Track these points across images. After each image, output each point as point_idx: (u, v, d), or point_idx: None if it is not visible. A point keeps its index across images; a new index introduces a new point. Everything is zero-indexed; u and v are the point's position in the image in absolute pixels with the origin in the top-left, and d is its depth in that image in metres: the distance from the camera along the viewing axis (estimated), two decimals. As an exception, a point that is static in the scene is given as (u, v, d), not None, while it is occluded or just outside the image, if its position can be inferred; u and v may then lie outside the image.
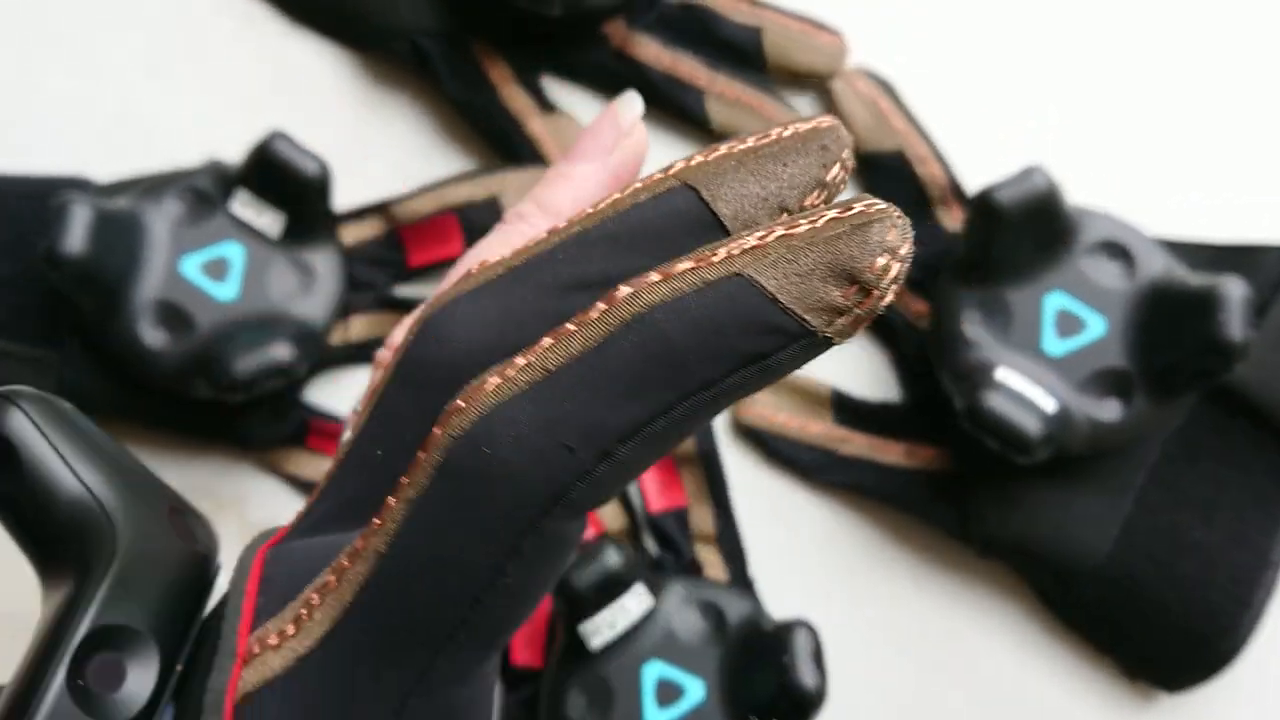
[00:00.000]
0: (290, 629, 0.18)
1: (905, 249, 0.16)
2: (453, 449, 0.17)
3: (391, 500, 0.17)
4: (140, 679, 0.19)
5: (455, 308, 0.19)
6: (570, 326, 0.17)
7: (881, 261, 0.16)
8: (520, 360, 0.17)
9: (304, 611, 0.18)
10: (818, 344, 0.16)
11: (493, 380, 0.17)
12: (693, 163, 0.19)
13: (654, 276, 0.16)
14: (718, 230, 0.18)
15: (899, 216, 0.16)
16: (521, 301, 0.18)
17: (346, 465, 0.20)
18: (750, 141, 0.19)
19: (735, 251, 0.16)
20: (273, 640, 0.18)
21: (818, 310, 0.16)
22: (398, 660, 0.17)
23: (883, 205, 0.16)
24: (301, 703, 0.18)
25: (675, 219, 0.18)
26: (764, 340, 0.16)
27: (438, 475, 0.17)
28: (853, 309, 0.16)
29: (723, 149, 0.19)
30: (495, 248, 0.24)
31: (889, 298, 0.16)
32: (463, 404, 0.17)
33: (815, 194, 0.18)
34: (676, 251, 0.17)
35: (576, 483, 0.16)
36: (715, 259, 0.16)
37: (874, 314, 0.16)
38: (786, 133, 0.19)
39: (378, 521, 0.18)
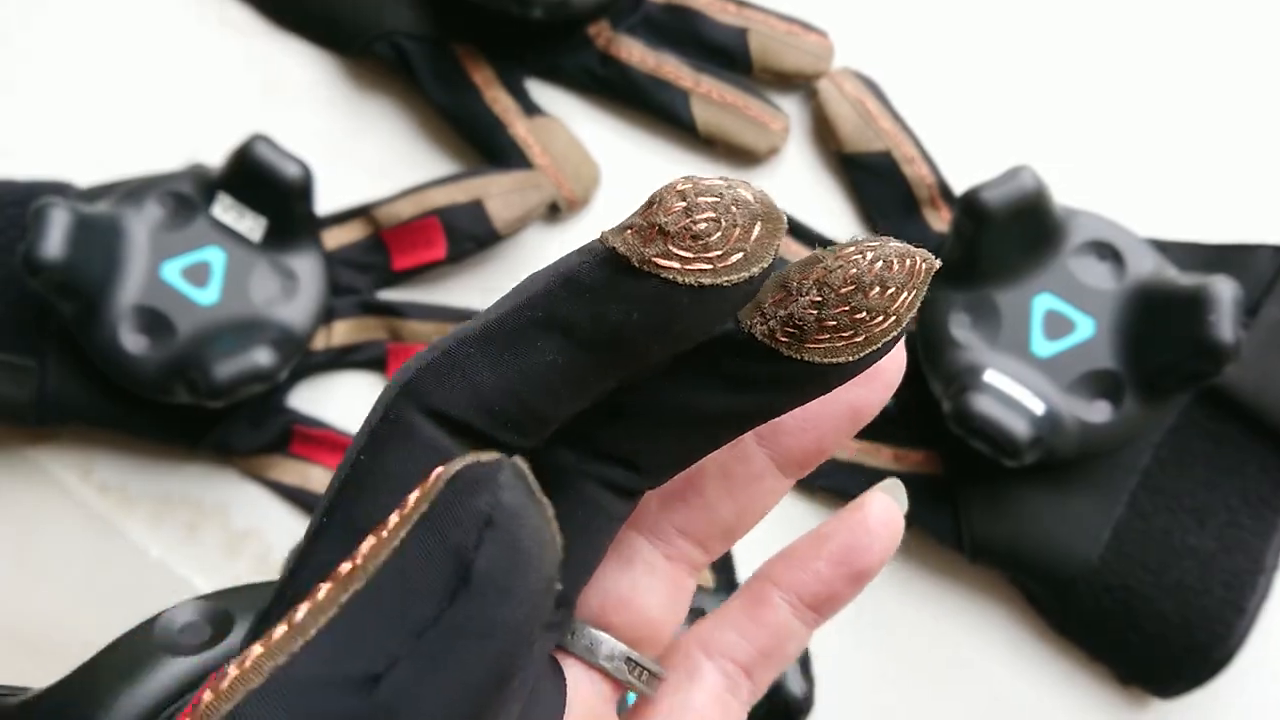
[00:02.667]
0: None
1: (696, 214, 0.16)
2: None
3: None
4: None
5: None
6: None
7: (676, 189, 0.16)
8: None
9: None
10: (611, 257, 0.16)
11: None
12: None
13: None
14: (738, 332, 0.19)
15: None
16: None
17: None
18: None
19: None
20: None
21: (615, 232, 0.16)
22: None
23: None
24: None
25: None
26: (576, 260, 0.16)
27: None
28: (637, 220, 0.16)
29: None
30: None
31: (670, 214, 0.16)
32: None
33: (816, 268, 0.18)
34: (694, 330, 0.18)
35: (422, 366, 0.17)
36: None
37: (654, 228, 0.16)
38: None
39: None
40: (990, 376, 0.38)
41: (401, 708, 0.14)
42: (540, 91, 0.45)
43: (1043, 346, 0.39)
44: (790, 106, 0.45)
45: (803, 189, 0.45)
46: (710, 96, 0.44)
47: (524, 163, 0.43)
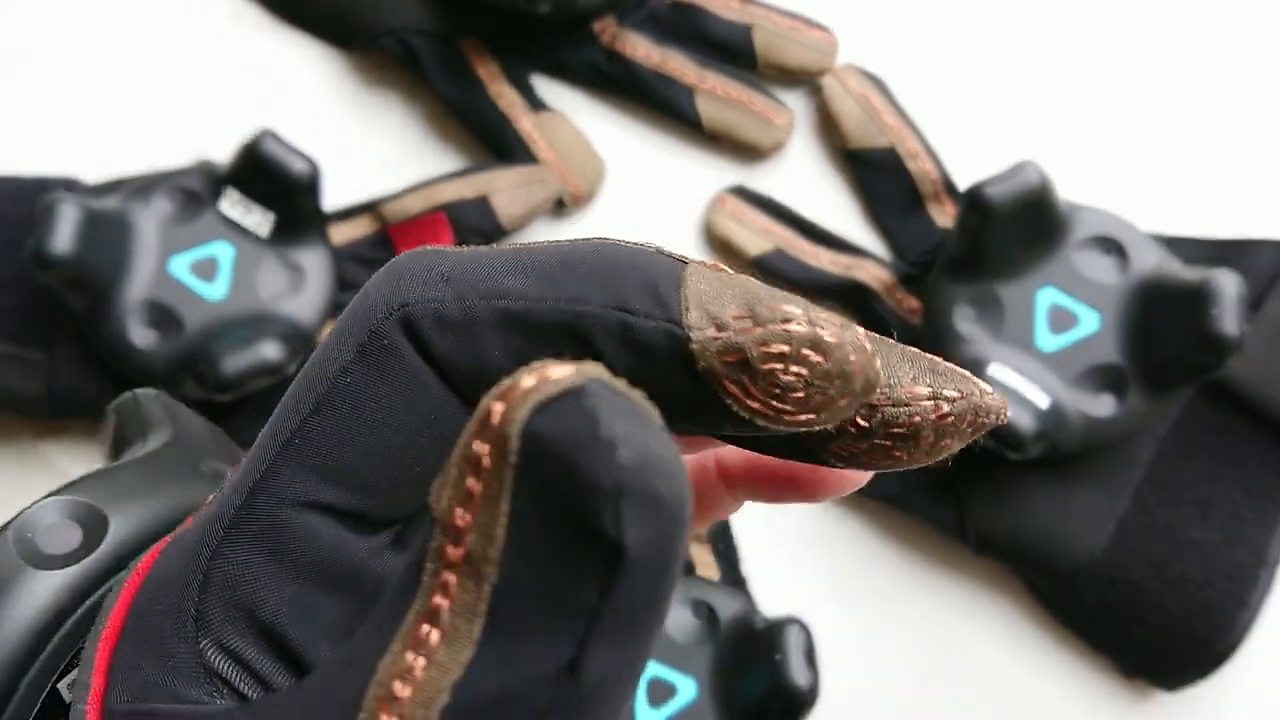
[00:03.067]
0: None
1: (817, 331, 0.15)
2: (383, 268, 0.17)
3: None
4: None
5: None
6: None
7: (789, 309, 0.15)
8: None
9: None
10: (675, 339, 0.15)
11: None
12: None
13: (627, 242, 0.17)
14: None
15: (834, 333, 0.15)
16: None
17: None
18: None
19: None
20: None
21: (702, 311, 0.15)
22: (251, 461, 0.17)
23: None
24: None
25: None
26: (645, 301, 0.15)
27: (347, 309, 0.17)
28: (729, 330, 0.15)
29: None
30: None
31: (767, 349, 0.14)
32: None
33: (879, 391, 0.16)
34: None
35: (425, 302, 0.16)
36: (691, 257, 0.16)
37: (739, 351, 0.15)
38: None
39: None
40: (994, 370, 0.38)
41: (607, 682, 0.13)
42: (546, 87, 0.45)
43: (1047, 340, 0.39)
44: (795, 102, 0.45)
45: (807, 184, 0.45)
46: (715, 92, 0.44)
47: (530, 158, 0.43)
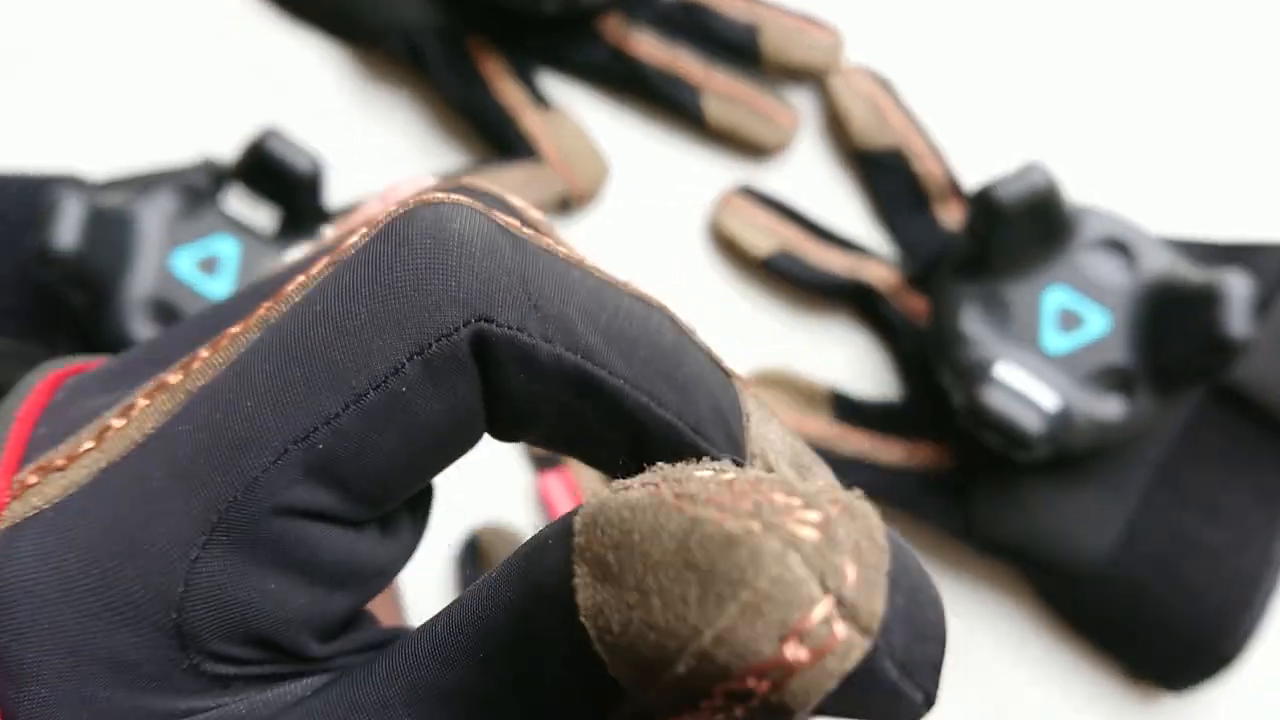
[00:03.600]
0: (89, 444, 0.14)
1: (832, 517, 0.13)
2: (407, 223, 0.14)
3: (292, 285, 0.15)
4: None
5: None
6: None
7: (834, 487, 0.14)
8: (507, 217, 0.15)
9: (114, 423, 0.14)
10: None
11: (471, 201, 0.15)
12: None
13: (680, 318, 0.16)
14: None
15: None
16: None
17: (244, 291, 0.17)
18: None
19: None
20: (60, 462, 0.14)
21: (765, 463, 0.15)
22: (223, 466, 0.14)
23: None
24: (76, 530, 0.14)
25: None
26: (717, 431, 0.16)
27: (373, 244, 0.14)
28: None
29: None
30: None
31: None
32: (438, 194, 0.15)
33: None
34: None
35: (514, 327, 0.14)
36: (728, 365, 0.17)
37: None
38: None
39: (270, 304, 0.15)
40: (1002, 370, 0.38)
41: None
42: (552, 84, 0.45)
43: (1054, 341, 0.39)
44: (801, 102, 0.45)
45: (814, 184, 0.45)
46: (721, 91, 0.44)
47: (534, 155, 0.43)
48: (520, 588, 0.14)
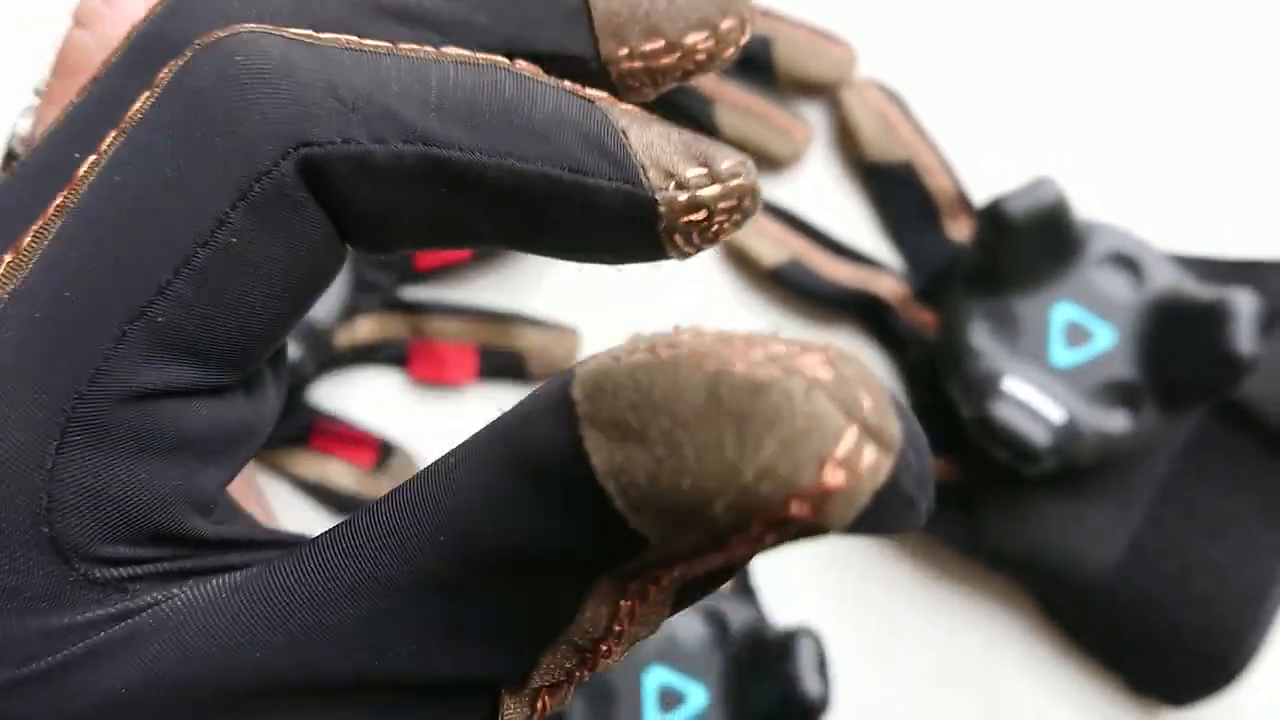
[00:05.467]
0: None
1: (756, 181, 0.15)
2: (194, 68, 0.13)
3: (83, 168, 0.14)
4: None
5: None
6: (404, 46, 0.14)
7: (732, 163, 0.15)
8: (300, 30, 0.14)
9: None
10: (639, 201, 0.14)
11: (255, 25, 0.14)
12: None
13: (521, 63, 0.15)
14: (586, 27, 0.16)
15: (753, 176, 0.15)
16: (323, 8, 0.15)
17: (20, 178, 0.15)
18: None
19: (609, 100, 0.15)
20: None
21: (659, 169, 0.14)
22: (59, 362, 0.13)
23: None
24: None
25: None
26: (596, 159, 0.14)
27: (164, 101, 0.13)
28: (691, 189, 0.15)
29: None
30: None
31: (726, 204, 0.15)
32: (219, 33, 0.14)
33: (703, 35, 0.16)
34: (531, 26, 0.16)
35: (338, 140, 0.13)
36: (589, 91, 0.15)
37: (703, 209, 0.15)
38: None
39: (65, 192, 0.14)
40: (1009, 384, 0.38)
41: None
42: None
43: (1062, 355, 0.39)
44: (813, 115, 0.46)
45: (824, 197, 0.45)
46: (734, 104, 0.44)
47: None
48: (503, 465, 0.13)
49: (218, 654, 0.13)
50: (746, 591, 0.41)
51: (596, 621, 0.14)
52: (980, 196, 0.44)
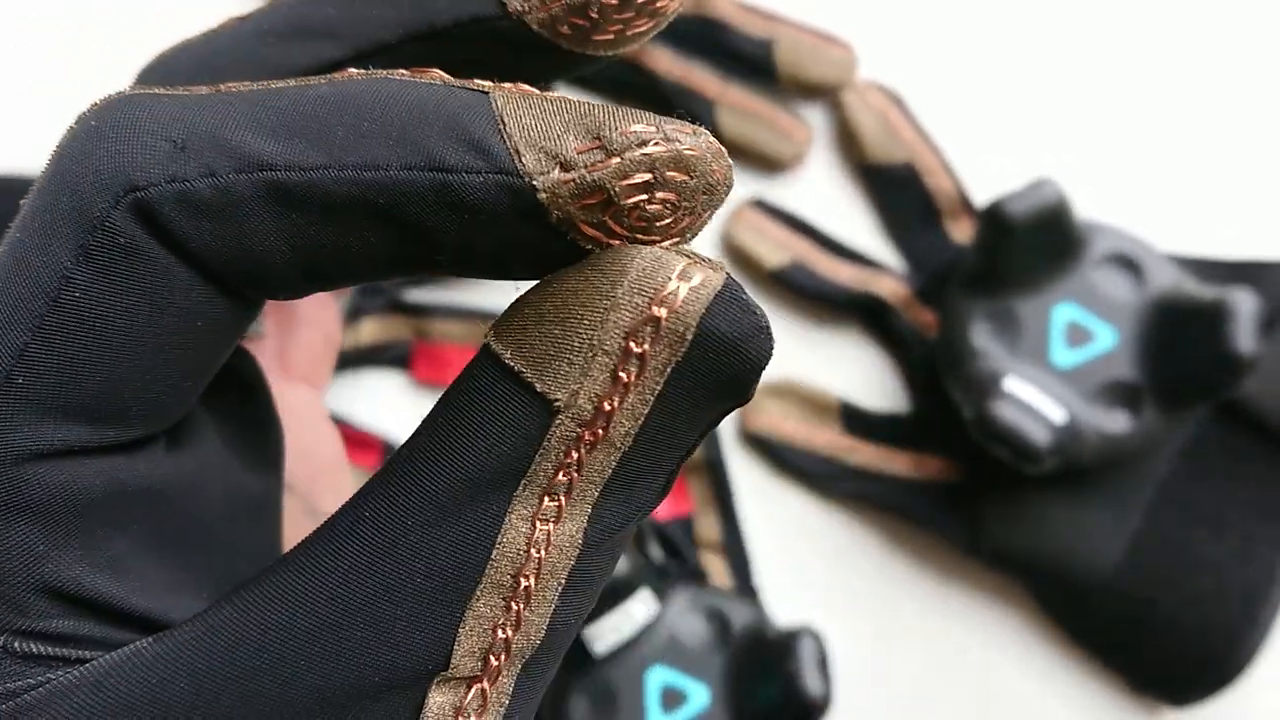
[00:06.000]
0: None
1: (677, 147, 0.13)
2: (64, 134, 0.14)
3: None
4: None
5: (170, 58, 0.16)
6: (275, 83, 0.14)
7: (640, 128, 0.13)
8: (193, 89, 0.14)
9: None
10: (516, 191, 0.13)
11: (142, 88, 0.14)
12: None
13: (400, 72, 0.14)
14: (503, 18, 0.15)
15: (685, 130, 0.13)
16: (226, 47, 0.15)
17: None
18: None
19: (489, 83, 0.14)
20: None
21: (538, 151, 0.13)
22: None
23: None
24: None
25: None
26: (460, 151, 0.13)
27: (48, 161, 0.14)
28: (580, 168, 0.13)
29: None
30: None
31: (631, 181, 0.13)
32: (96, 102, 0.14)
33: None
34: (424, 2, 0.15)
35: (166, 182, 0.13)
36: (479, 82, 0.14)
37: (599, 191, 0.13)
38: None
39: None
40: (1010, 384, 0.38)
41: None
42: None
43: (1063, 356, 0.39)
44: (814, 117, 0.46)
45: (825, 198, 0.45)
46: (736, 105, 0.44)
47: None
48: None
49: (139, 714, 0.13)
50: (748, 591, 0.41)
51: (515, 546, 0.14)
52: (982, 197, 0.44)
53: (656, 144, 0.13)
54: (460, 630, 0.14)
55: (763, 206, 0.45)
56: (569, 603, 0.14)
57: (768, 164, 0.45)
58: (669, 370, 0.13)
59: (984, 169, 0.44)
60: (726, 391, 0.14)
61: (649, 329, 0.13)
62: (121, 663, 0.13)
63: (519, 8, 0.15)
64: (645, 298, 0.13)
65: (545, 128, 0.13)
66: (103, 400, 0.13)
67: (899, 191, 0.44)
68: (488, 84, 0.14)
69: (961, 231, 0.44)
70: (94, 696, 0.13)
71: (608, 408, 0.13)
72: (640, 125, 0.13)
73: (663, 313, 0.13)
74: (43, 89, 0.46)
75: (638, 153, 0.13)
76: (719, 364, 0.13)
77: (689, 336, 0.13)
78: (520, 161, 0.13)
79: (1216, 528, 0.39)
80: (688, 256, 0.13)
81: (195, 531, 0.15)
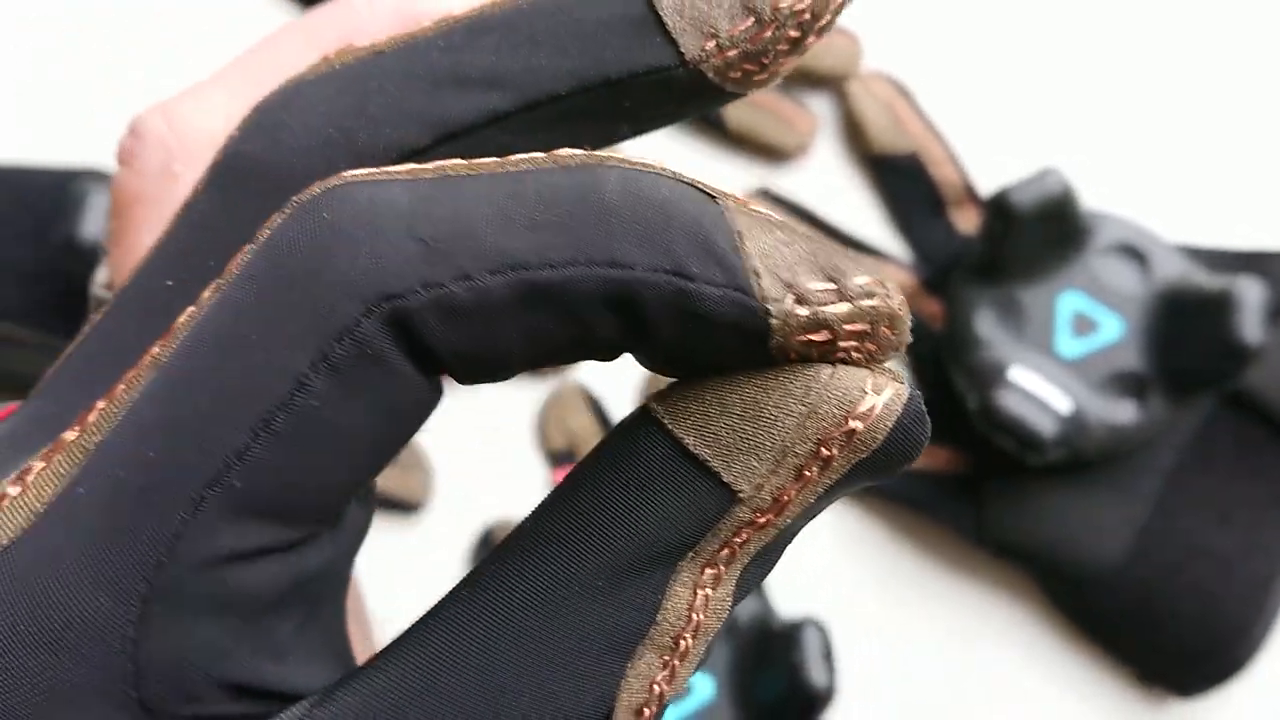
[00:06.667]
0: (12, 489, 0.13)
1: (896, 308, 0.14)
2: (285, 224, 0.13)
3: (182, 318, 0.13)
4: None
5: (295, 96, 0.15)
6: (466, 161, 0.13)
7: (864, 281, 0.13)
8: (403, 166, 0.13)
9: (9, 491, 0.13)
10: (750, 311, 0.13)
11: (360, 171, 0.13)
12: None
13: (625, 153, 0.14)
14: (658, 32, 0.15)
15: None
16: (380, 94, 0.15)
17: (117, 312, 0.15)
18: None
19: None
20: None
21: (776, 277, 0.13)
22: (143, 522, 0.13)
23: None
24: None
25: (600, 8, 0.15)
26: (703, 262, 0.13)
27: (255, 256, 0.13)
28: (815, 306, 0.13)
29: None
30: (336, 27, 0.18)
31: (854, 327, 0.13)
32: (316, 187, 0.13)
33: None
34: (595, 50, 0.15)
35: (420, 289, 0.12)
36: (711, 186, 0.14)
37: (826, 329, 0.13)
38: None
39: (161, 343, 0.13)
40: (1016, 374, 0.38)
41: None
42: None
43: (1068, 346, 0.39)
44: (820, 107, 0.46)
45: (831, 188, 0.45)
46: (741, 95, 0.44)
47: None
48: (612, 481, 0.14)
49: None
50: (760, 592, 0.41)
51: (678, 611, 0.14)
52: (987, 187, 0.44)
53: (881, 301, 0.13)
54: (622, 686, 0.14)
55: (768, 197, 0.44)
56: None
57: (773, 154, 0.45)
58: (848, 470, 0.14)
59: (989, 159, 0.44)
60: (878, 480, 0.15)
61: (842, 439, 0.14)
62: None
63: (697, 55, 0.15)
64: (842, 411, 0.13)
65: (781, 257, 0.13)
66: (315, 504, 0.13)
67: (905, 181, 0.44)
68: (722, 193, 0.14)
69: (967, 221, 0.44)
70: None
71: (785, 499, 0.14)
72: (866, 279, 0.13)
73: (859, 426, 0.13)
74: (43, 89, 0.46)
75: (867, 304, 0.13)
76: (889, 466, 0.14)
77: (877, 446, 0.14)
78: (758, 284, 0.13)
79: (1223, 518, 0.39)
80: (875, 369, 0.14)
81: (332, 604, 0.15)
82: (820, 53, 0.44)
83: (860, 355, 0.14)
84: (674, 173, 0.14)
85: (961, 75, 0.46)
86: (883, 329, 0.13)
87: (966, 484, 0.41)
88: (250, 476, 0.13)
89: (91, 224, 0.38)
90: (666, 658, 0.14)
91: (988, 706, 0.41)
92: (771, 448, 0.14)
